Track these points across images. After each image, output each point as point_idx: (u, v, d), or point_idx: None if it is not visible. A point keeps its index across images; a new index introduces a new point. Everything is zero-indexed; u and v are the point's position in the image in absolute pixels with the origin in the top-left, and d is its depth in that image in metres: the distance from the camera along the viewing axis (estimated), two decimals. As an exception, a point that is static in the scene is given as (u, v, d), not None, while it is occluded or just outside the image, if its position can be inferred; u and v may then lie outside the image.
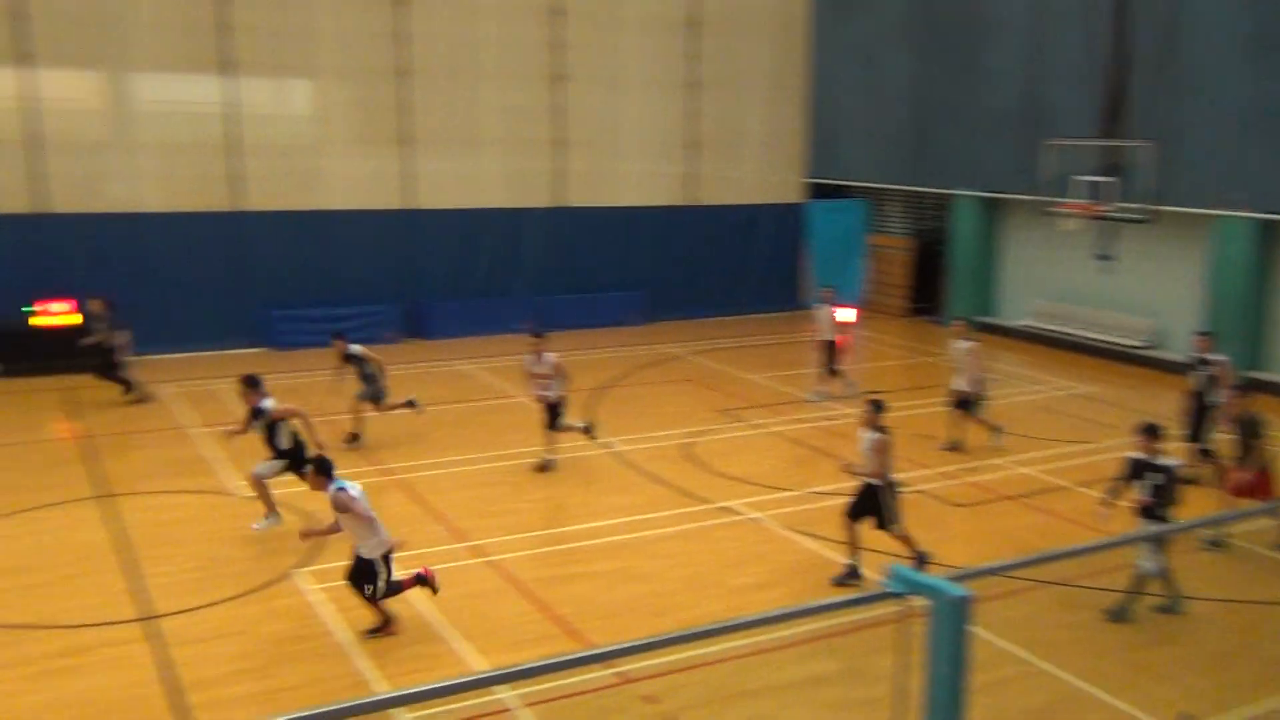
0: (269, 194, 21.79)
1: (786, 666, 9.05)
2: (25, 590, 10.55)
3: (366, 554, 9.54)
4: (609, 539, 12.07)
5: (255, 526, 12.00)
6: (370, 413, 15.46)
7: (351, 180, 22.69)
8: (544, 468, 14.33)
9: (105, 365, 17.56)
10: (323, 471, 9.73)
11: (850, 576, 10.80)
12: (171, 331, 20.70)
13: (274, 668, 9.13)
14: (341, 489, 9.55)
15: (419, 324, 23.11)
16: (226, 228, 21.50)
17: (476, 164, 23.86)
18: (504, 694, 8.29)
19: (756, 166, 27.10)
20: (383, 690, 8.67)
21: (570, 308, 24.60)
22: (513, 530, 12.33)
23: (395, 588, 9.69)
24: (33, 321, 19.28)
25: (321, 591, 10.53)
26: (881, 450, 10.69)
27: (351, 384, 15.38)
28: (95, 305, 17.79)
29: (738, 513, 12.88)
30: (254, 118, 21.57)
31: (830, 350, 18.34)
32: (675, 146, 25.93)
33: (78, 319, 19.49)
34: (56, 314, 19.45)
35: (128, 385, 17.64)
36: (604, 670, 8.57)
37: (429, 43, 22.78)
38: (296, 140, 22.50)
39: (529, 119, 24.11)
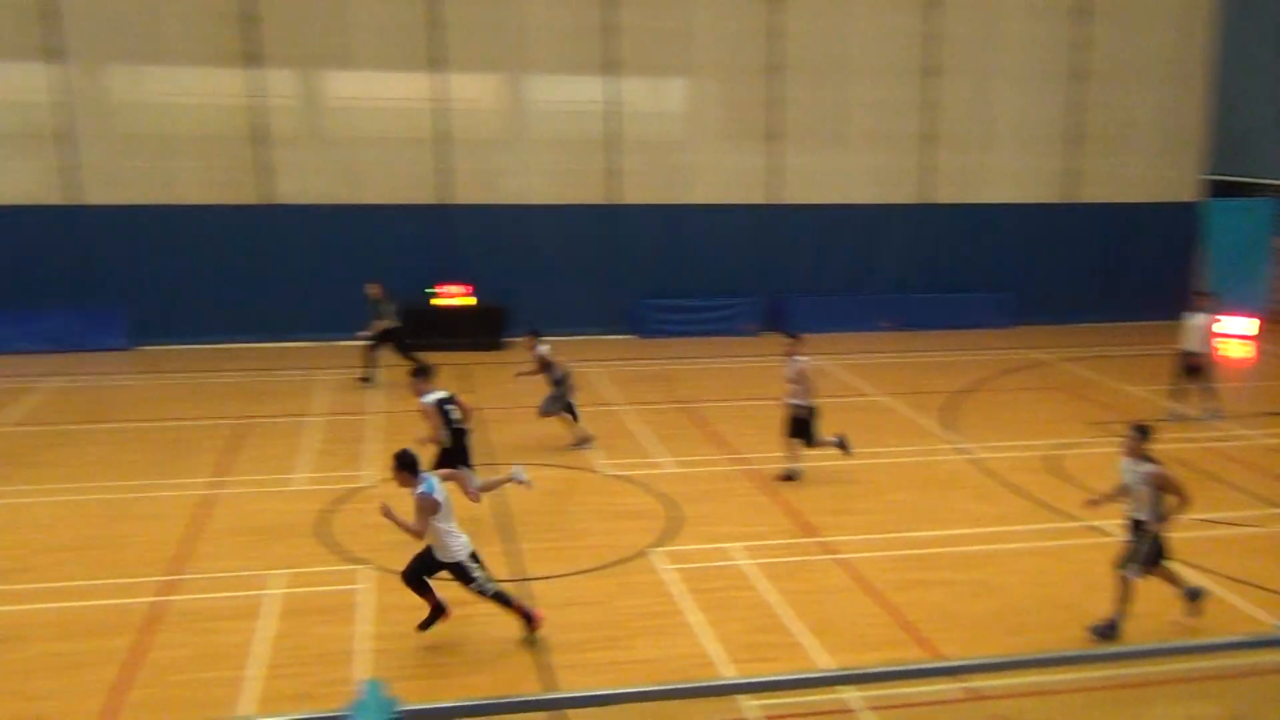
0: (643, 188, 22.85)
1: (1156, 705, 8.36)
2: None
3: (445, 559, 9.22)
4: (964, 548, 11.67)
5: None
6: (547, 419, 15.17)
7: (720, 175, 23.32)
8: (789, 477, 13.66)
9: (396, 344, 18.40)
10: (406, 467, 9.17)
11: (1108, 630, 9.39)
12: (550, 315, 22.16)
13: (628, 640, 9.60)
14: (426, 492, 9.10)
15: (779, 318, 23.35)
16: (604, 220, 22.79)
17: (843, 159, 23.77)
18: (848, 694, 8.25)
19: (1145, 162, 25.05)
20: (729, 674, 8.89)
21: (933, 307, 23.97)
22: (864, 530, 12.21)
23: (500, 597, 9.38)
24: (433, 302, 21.38)
25: (675, 571, 10.94)
26: (1162, 484, 9.34)
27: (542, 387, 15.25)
28: (372, 289, 18.55)
29: (1108, 534, 12.01)
30: (632, 115, 22.68)
31: (1193, 363, 16.52)
32: (1054, 141, 24.50)
33: (471, 301, 21.50)
34: (453, 296, 21.48)
35: (370, 366, 18.44)
36: (953, 683, 8.31)
37: (801, 39, 22.92)
38: (670, 136, 23.43)
39: (898, 114, 23.68)
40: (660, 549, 11.56)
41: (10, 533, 11.88)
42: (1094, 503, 10.27)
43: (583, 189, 22.66)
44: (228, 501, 12.96)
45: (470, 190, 22.23)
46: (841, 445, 13.81)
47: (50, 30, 20.32)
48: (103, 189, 21.07)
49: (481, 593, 9.31)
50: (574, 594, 10.51)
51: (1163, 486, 9.40)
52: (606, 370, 19.64)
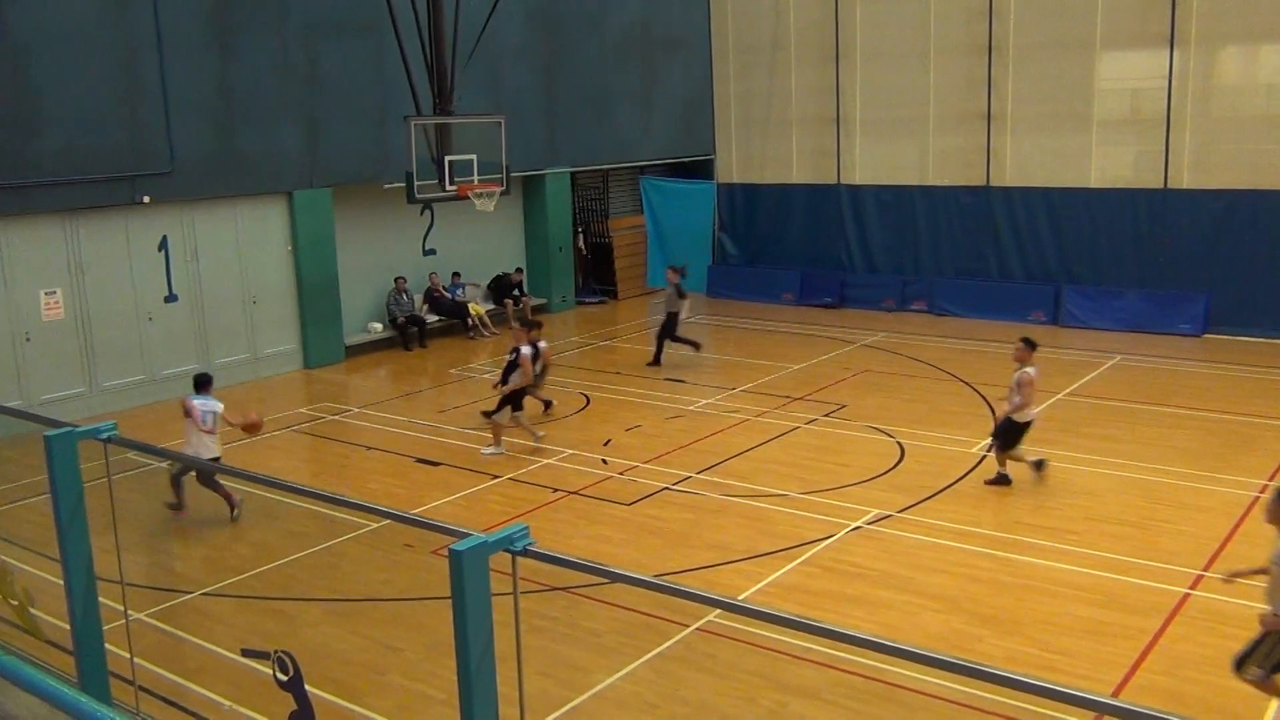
0: None
1: None
2: None
3: None
4: None
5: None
6: None
7: None
8: None
9: (667, 327, 19.11)
10: (196, 385, 12.04)
11: None
12: None
13: None
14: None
15: None
16: None
17: None
18: None
19: None
20: None
21: None
22: None
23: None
24: None
25: None
26: None
27: None
28: (670, 274, 19.25)
29: None
30: None
31: None
32: None
33: None
34: None
35: (691, 346, 19.39)
36: None
37: None
38: None
39: None
40: None
41: (1055, 495, 12.77)
42: None
43: None
44: (1278, 508, 12.10)
45: None
46: None
47: (1174, 15, 20.61)
48: (1192, 173, 20.96)
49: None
50: None
51: None
52: None
